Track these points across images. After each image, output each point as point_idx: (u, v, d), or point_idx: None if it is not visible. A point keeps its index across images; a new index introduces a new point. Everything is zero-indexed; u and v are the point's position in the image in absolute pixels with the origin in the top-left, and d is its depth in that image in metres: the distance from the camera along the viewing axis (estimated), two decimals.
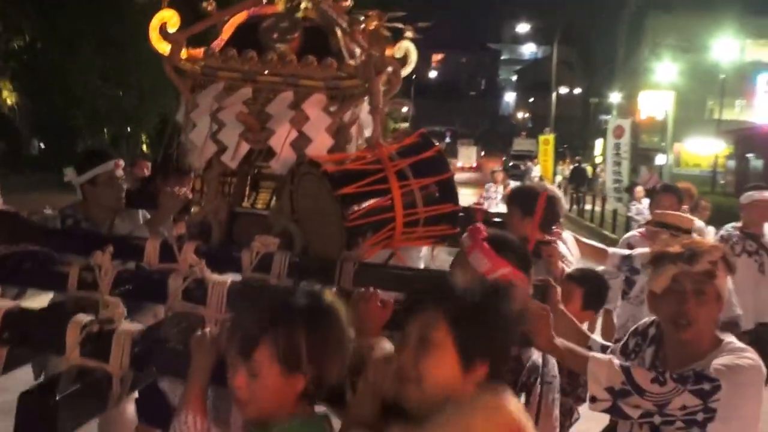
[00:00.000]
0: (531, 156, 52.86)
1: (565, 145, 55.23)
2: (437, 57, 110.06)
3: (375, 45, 3.51)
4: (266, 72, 3.57)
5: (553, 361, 3.22)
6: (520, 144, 64.64)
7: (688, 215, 6.17)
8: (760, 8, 30.91)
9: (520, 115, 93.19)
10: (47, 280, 3.30)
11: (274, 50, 3.59)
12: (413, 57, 3.97)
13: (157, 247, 3.32)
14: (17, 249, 3.33)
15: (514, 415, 2.23)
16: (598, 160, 38.60)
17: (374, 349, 2.52)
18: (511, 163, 54.16)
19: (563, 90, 61.84)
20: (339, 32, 3.67)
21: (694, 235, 6.68)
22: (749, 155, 29.46)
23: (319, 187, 3.38)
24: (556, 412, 3.25)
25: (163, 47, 3.61)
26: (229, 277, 3.04)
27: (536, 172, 47.83)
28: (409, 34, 3.92)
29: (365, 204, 3.34)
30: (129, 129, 30.48)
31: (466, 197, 23.30)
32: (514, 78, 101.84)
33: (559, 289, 3.37)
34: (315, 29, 3.70)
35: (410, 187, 3.42)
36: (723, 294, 3.07)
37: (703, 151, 32.41)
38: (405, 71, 3.95)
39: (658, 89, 37.76)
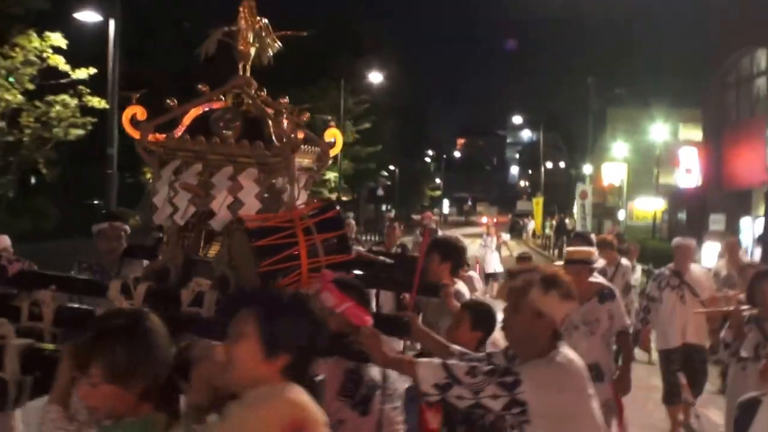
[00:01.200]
0: (529, 214, 52.29)
1: (555, 206, 54.55)
2: (461, 141, 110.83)
3: (291, 131, 3.33)
4: (212, 152, 3.39)
5: (394, 378, 3.00)
6: (522, 205, 64.04)
7: (591, 249, 5.71)
8: (685, 102, 30.88)
9: (522, 183, 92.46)
10: (4, 313, 2.99)
11: (219, 135, 3.42)
12: (339, 141, 3.76)
13: (118, 287, 3.13)
14: None
15: (299, 408, 1.99)
16: None
17: (204, 349, 2.31)
18: (515, 220, 54.15)
19: (551, 164, 61.57)
20: (270, 121, 3.48)
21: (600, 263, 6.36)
22: (678, 210, 29.46)
23: (244, 240, 3.16)
24: (399, 418, 3.03)
25: (135, 133, 3.45)
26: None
27: (531, 225, 47.26)
28: (332, 123, 3.79)
29: (276, 253, 3.09)
30: None
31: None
32: (517, 156, 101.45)
33: (418, 319, 3.24)
34: (252, 119, 3.51)
35: (314, 241, 3.16)
36: (543, 310, 2.68)
37: (649, 207, 31.97)
38: (333, 152, 3.76)
39: (615, 162, 37.78)
